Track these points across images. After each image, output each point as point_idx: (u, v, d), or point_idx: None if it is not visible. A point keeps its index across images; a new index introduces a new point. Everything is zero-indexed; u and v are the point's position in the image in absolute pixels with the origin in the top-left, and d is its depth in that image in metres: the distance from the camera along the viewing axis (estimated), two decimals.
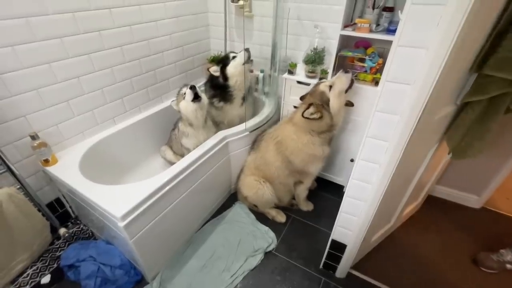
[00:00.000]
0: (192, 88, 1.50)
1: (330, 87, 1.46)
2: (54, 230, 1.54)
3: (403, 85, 0.80)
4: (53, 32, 1.31)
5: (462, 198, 1.96)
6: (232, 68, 1.76)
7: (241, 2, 1.95)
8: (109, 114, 1.71)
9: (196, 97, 1.52)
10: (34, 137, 1.32)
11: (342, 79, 1.45)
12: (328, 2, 1.70)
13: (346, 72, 1.46)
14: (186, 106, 1.55)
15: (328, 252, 1.41)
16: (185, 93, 1.53)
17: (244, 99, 1.89)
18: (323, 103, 1.47)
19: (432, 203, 1.95)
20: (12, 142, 1.31)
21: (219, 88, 1.85)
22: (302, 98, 1.62)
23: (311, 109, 1.45)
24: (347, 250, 1.31)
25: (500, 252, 1.51)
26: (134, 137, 1.87)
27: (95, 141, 1.63)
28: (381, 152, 0.94)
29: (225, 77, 1.79)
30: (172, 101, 1.61)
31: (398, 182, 1.10)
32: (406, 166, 1.08)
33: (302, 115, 1.47)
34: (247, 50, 1.75)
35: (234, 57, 1.77)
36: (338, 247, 1.34)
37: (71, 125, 1.53)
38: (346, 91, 1.47)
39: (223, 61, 1.82)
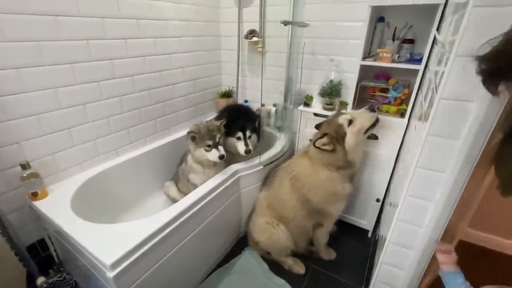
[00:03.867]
0: (221, 157, 1.40)
1: (350, 121, 1.34)
2: (31, 279, 1.29)
3: (465, 102, 0.67)
4: (64, 58, 1.26)
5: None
6: (233, 145, 1.59)
7: (254, 39, 1.97)
8: (112, 145, 1.59)
9: (221, 158, 1.41)
10: (25, 166, 1.18)
11: (364, 117, 1.33)
12: (344, 36, 1.69)
13: (372, 110, 1.34)
14: (205, 155, 1.43)
15: None
16: (208, 146, 1.41)
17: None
18: (338, 137, 1.33)
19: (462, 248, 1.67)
20: None
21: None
22: (317, 126, 1.50)
23: (324, 139, 1.32)
24: None
25: None
26: (137, 171, 1.72)
27: (94, 173, 1.47)
28: (436, 185, 0.77)
29: (225, 142, 1.58)
30: (189, 132, 1.44)
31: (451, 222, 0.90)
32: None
33: (314, 144, 1.34)
34: (247, 151, 1.53)
35: (239, 138, 1.55)
36: None
37: (69, 155, 1.39)
38: (367, 131, 1.34)
39: (229, 127, 1.55)
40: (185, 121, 2.07)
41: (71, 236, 1.05)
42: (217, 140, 1.42)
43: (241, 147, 1.55)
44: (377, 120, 1.34)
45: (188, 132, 1.44)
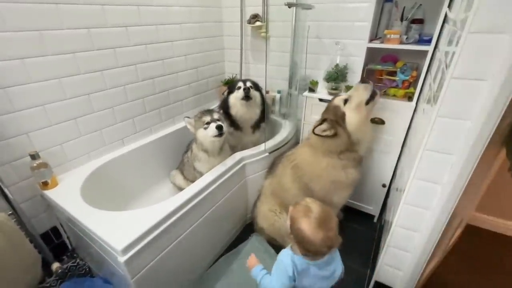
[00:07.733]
0: (219, 128, 1.37)
1: (346, 100, 1.31)
2: (46, 265, 1.34)
3: (477, 81, 0.64)
4: (66, 47, 1.26)
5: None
6: (233, 99, 1.64)
7: (258, 23, 1.92)
8: (118, 135, 1.60)
9: (220, 135, 1.39)
10: (34, 157, 1.20)
11: (359, 90, 1.29)
12: (349, 18, 1.64)
13: (365, 82, 1.31)
14: (205, 136, 1.42)
15: None
16: (207, 123, 1.40)
17: (254, 128, 1.75)
18: (338, 119, 1.29)
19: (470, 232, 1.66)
20: (10, 162, 1.19)
21: (227, 114, 1.71)
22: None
23: (324, 126, 1.28)
24: None
25: None
26: (143, 160, 1.74)
27: (101, 163, 1.49)
28: (444, 168, 0.76)
29: (227, 104, 1.67)
30: (186, 117, 1.47)
31: (460, 205, 0.89)
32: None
33: (313, 131, 1.30)
34: (245, 89, 1.58)
35: (239, 87, 1.62)
36: None
37: (77, 145, 1.41)
38: (368, 103, 1.29)
39: (230, 87, 1.69)
40: (189, 110, 2.06)
41: (82, 224, 1.08)
42: (214, 116, 1.41)
43: (240, 93, 1.59)
44: (374, 92, 1.29)
45: (184, 118, 1.47)
